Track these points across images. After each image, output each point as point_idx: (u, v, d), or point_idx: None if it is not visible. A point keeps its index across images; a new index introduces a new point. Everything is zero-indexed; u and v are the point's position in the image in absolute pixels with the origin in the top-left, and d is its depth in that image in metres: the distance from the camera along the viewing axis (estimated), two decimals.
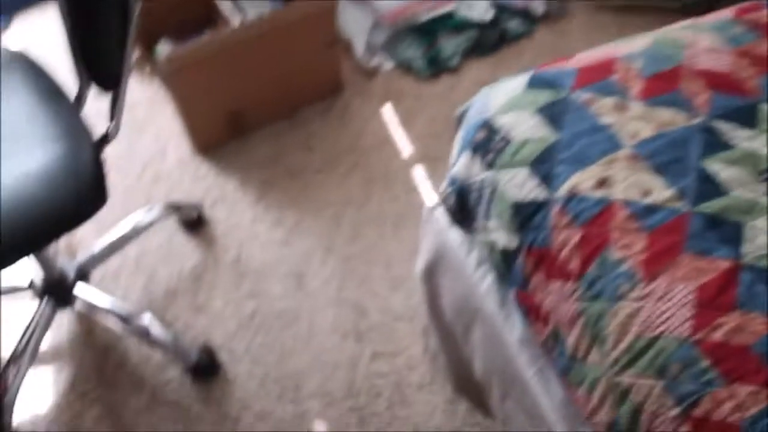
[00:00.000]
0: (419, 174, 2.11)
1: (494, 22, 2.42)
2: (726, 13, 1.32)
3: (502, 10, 2.45)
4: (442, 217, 1.38)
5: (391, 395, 1.69)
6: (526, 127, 1.15)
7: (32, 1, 2.55)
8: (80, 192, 1.29)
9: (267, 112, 2.21)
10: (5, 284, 1.77)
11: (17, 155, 1.31)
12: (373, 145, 2.19)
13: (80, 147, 1.34)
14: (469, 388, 1.56)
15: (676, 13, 2.42)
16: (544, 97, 1.18)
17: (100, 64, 1.35)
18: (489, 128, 1.19)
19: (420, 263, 1.50)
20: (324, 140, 2.20)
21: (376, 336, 1.79)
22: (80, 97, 1.48)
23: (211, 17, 2.24)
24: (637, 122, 1.11)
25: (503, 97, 1.22)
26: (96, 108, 1.48)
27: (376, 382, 1.71)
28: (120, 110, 1.43)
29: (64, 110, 1.41)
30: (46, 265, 1.67)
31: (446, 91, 2.32)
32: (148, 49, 2.18)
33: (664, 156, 1.07)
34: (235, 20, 2.12)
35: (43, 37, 2.38)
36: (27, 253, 1.39)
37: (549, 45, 2.44)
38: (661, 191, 1.03)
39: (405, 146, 2.19)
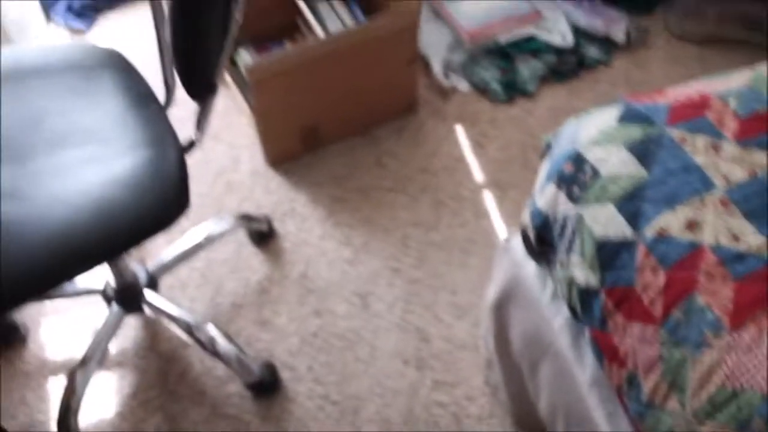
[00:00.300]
0: (489, 200, 2.09)
1: (573, 48, 2.39)
2: None
3: (582, 36, 2.42)
4: (518, 247, 1.35)
5: (449, 426, 1.67)
6: (615, 162, 1.13)
7: (117, 2, 2.58)
8: (166, 198, 1.30)
9: (342, 127, 2.21)
10: (81, 287, 1.79)
11: (106, 160, 1.32)
12: (445, 167, 2.17)
13: (168, 153, 1.35)
14: (529, 424, 1.53)
15: (762, 48, 2.37)
16: (635, 132, 1.15)
17: (196, 72, 1.33)
18: (578, 160, 1.17)
19: (491, 293, 1.48)
20: (397, 159, 2.19)
21: (437, 364, 1.76)
22: (167, 102, 1.50)
23: (290, 27, 2.25)
24: (731, 164, 1.08)
25: (594, 129, 1.19)
26: (173, 112, 1.49)
27: (435, 411, 1.69)
28: (207, 118, 1.44)
29: (154, 114, 1.42)
30: (118, 270, 1.68)
31: (522, 115, 2.29)
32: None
33: (756, 201, 1.04)
34: (318, 32, 2.12)
35: (122, 39, 2.41)
36: (109, 259, 1.40)
37: (626, 74, 2.38)
38: (751, 238, 1.00)
39: (476, 170, 2.17)
